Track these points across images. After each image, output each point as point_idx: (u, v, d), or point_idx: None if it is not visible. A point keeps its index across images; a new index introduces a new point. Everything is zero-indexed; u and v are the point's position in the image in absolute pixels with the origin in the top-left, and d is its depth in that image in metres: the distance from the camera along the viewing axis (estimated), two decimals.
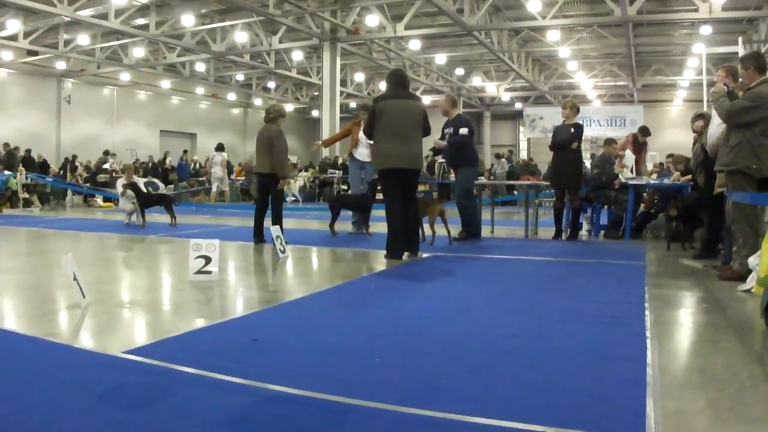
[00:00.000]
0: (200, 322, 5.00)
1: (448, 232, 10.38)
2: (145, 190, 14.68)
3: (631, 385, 3.39)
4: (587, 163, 13.99)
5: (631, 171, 13.09)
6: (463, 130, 10.98)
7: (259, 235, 10.51)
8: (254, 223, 10.64)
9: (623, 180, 11.88)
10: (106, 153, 29.89)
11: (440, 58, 32.50)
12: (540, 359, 3.93)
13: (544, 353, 4.08)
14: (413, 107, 8.90)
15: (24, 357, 4.03)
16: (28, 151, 26.62)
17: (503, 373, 3.66)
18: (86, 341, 4.51)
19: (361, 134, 11.44)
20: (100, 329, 4.84)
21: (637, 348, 4.12)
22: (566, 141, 11.08)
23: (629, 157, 13.40)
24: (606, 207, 12.47)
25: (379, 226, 12.45)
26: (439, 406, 3.06)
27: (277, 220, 10.20)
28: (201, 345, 4.29)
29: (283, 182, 10.59)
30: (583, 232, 12.51)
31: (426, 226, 10.14)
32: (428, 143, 9.88)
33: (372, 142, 9.31)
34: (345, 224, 12.06)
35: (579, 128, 11.25)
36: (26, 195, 22.88)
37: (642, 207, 12.57)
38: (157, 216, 14.85)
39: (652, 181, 12.66)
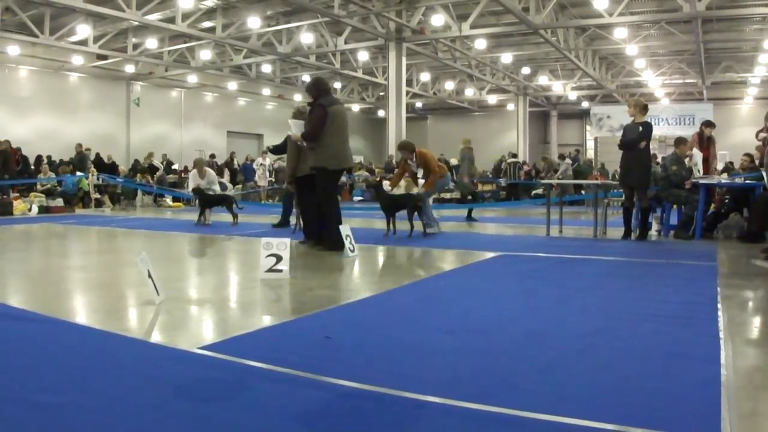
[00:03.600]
0: (272, 320, 5.09)
1: None
2: (212, 192, 15.12)
3: (705, 386, 3.36)
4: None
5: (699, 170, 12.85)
6: None
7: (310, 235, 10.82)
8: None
9: (694, 179, 11.70)
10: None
11: (506, 57, 32.30)
12: (612, 358, 3.92)
13: (616, 352, 4.06)
14: (346, 113, 10.02)
15: (102, 352, 4.15)
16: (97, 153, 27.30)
17: (575, 372, 3.66)
18: (162, 337, 4.61)
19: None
20: (175, 325, 4.96)
21: (711, 348, 4.07)
22: (634, 140, 10.92)
23: (697, 155, 13.16)
24: (676, 207, 12.30)
25: (447, 225, 12.49)
26: (512, 404, 3.08)
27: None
28: (274, 341, 4.38)
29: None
30: (653, 233, 12.34)
31: None
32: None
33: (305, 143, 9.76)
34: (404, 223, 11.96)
35: (647, 127, 11.05)
36: (98, 195, 23.43)
37: (712, 207, 12.35)
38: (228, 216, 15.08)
39: (723, 181, 12.44)
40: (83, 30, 26.59)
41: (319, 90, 9.65)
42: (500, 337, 4.48)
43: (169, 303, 5.53)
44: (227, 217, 14.77)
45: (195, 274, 8.09)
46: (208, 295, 6.35)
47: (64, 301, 6.08)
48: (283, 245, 6.98)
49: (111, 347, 4.25)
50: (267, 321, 5.06)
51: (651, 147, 11.61)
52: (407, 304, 5.76)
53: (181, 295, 6.12)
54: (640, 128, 10.93)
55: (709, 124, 13.84)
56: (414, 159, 12.06)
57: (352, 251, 8.80)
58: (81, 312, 5.58)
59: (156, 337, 4.58)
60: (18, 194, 20.94)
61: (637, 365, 3.78)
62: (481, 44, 28.53)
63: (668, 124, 32.92)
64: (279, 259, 6.94)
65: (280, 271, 6.91)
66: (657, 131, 31.68)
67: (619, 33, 26.59)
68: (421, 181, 12.74)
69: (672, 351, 4.08)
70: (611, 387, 3.39)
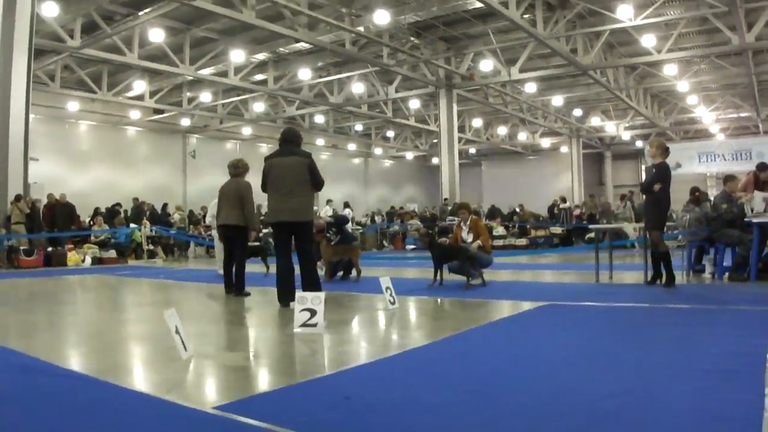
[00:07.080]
0: (292, 378, 4.99)
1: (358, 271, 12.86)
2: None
3: None
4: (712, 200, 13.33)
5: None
6: None
7: (228, 285, 11.17)
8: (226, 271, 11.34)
9: (746, 218, 11.34)
10: None
11: (557, 100, 32.21)
12: (645, 422, 3.66)
13: (650, 414, 3.79)
14: (297, 162, 9.35)
15: (116, 409, 4.11)
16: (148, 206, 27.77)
17: None
18: (176, 395, 4.46)
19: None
20: (196, 383, 4.94)
21: (755, 408, 3.80)
22: (648, 183, 10.66)
23: (758, 195, 12.45)
24: (729, 248, 11.92)
25: (497, 274, 12.28)
26: None
27: (241, 270, 10.90)
28: (289, 401, 4.27)
29: (252, 234, 11.40)
30: (707, 275, 12.07)
31: None
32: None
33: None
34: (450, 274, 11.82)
35: (660, 169, 10.54)
36: (150, 247, 23.81)
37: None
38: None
39: None
40: (140, 86, 27.44)
41: (279, 141, 9.80)
42: (529, 397, 4.25)
43: (196, 359, 5.47)
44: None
45: (230, 328, 8.06)
46: (235, 351, 6.32)
47: (88, 356, 6.11)
48: (317, 300, 6.89)
49: (124, 403, 4.24)
50: (286, 380, 4.92)
51: (708, 185, 11.28)
52: (437, 361, 5.56)
53: (210, 351, 6.09)
54: (653, 170, 10.64)
55: (763, 167, 13.16)
56: (467, 222, 11.99)
57: (393, 303, 8.62)
58: (106, 368, 5.50)
59: (170, 395, 4.44)
60: (72, 245, 21.35)
61: (672, 429, 3.52)
62: (531, 88, 28.53)
63: (725, 160, 32.28)
64: (313, 313, 6.85)
65: (314, 325, 6.81)
66: (713, 168, 31.25)
67: (669, 69, 26.42)
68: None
69: (712, 411, 3.81)
70: None
